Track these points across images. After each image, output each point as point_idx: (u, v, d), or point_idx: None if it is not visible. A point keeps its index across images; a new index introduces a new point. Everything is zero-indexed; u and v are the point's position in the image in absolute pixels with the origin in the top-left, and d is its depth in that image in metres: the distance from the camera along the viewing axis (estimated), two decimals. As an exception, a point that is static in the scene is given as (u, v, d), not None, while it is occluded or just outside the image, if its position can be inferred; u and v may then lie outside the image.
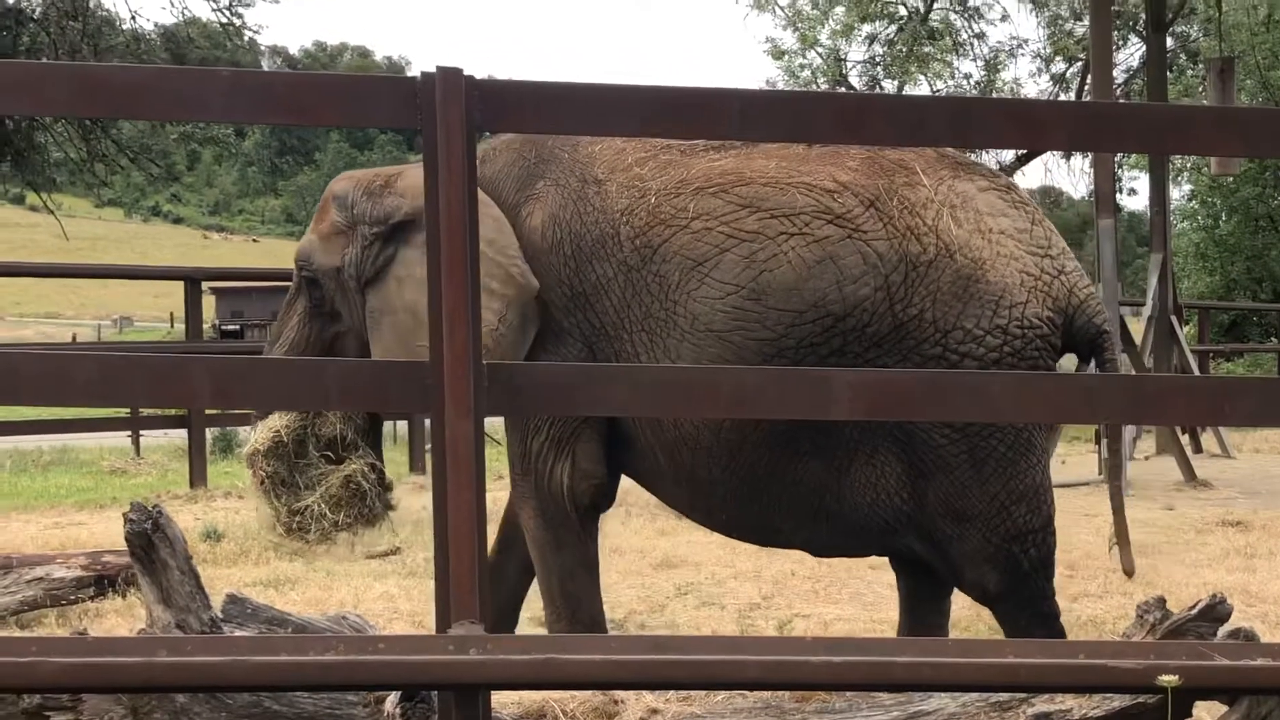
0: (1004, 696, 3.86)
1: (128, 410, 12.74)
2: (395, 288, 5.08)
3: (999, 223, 4.75)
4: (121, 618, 6.52)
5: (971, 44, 25.68)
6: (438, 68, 3.41)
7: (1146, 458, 15.04)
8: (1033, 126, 3.73)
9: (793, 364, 4.60)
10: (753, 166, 4.86)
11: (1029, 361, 4.65)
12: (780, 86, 24.86)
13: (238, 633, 4.06)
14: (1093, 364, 4.92)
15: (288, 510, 5.27)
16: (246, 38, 21.25)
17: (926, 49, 24.75)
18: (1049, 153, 25.35)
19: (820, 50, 25.45)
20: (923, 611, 5.35)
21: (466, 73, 3.39)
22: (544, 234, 5.00)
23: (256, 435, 5.24)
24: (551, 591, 5.15)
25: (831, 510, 4.83)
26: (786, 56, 25.36)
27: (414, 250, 4.98)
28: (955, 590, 5.14)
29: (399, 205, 5.11)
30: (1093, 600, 7.20)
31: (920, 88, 25.16)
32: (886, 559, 5.38)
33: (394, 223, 5.12)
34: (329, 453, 5.29)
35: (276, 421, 5.20)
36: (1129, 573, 6.44)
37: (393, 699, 3.85)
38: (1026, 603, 4.84)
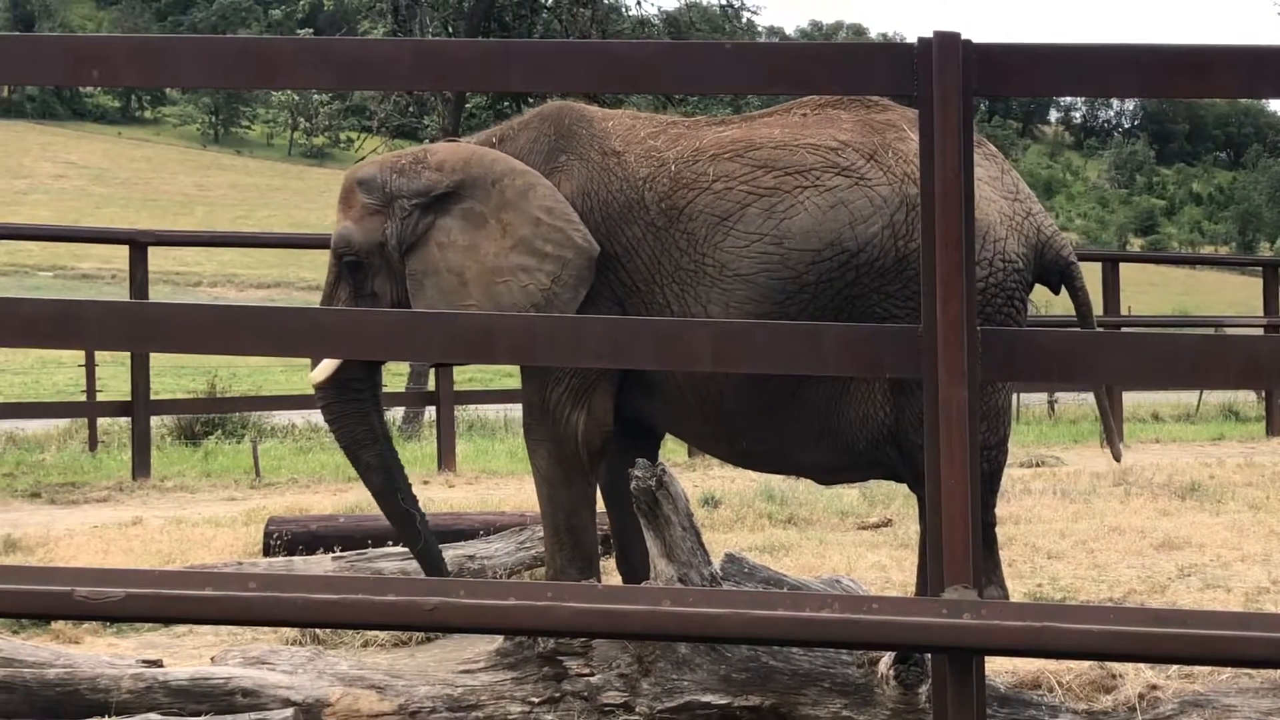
0: None
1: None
2: (438, 252, 5.60)
3: (976, 171, 5.28)
4: (616, 576, 6.80)
5: None
6: (935, 32, 3.42)
7: None
8: None
9: (811, 299, 5.21)
10: (759, 134, 5.44)
11: (1007, 292, 5.25)
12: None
13: (736, 589, 4.19)
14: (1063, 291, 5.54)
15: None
16: (745, 19, 21.73)
17: None
18: None
19: (1344, 8, 23.80)
20: None
21: (964, 37, 3.39)
22: (574, 204, 5.51)
23: (319, 368, 5.77)
24: (557, 524, 5.76)
25: (831, 429, 5.40)
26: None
27: (453, 219, 5.60)
28: None
29: (439, 179, 5.62)
30: None
31: None
32: None
33: (435, 194, 5.61)
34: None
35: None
36: None
37: (887, 660, 3.91)
38: None
